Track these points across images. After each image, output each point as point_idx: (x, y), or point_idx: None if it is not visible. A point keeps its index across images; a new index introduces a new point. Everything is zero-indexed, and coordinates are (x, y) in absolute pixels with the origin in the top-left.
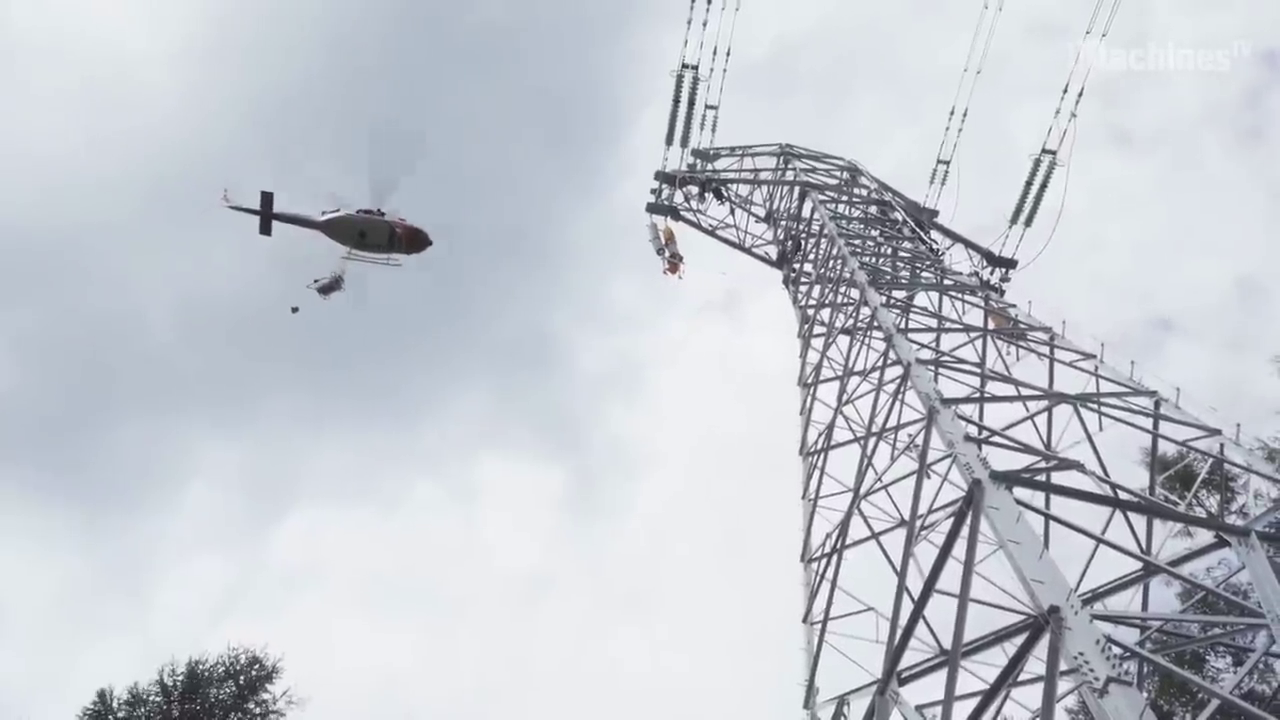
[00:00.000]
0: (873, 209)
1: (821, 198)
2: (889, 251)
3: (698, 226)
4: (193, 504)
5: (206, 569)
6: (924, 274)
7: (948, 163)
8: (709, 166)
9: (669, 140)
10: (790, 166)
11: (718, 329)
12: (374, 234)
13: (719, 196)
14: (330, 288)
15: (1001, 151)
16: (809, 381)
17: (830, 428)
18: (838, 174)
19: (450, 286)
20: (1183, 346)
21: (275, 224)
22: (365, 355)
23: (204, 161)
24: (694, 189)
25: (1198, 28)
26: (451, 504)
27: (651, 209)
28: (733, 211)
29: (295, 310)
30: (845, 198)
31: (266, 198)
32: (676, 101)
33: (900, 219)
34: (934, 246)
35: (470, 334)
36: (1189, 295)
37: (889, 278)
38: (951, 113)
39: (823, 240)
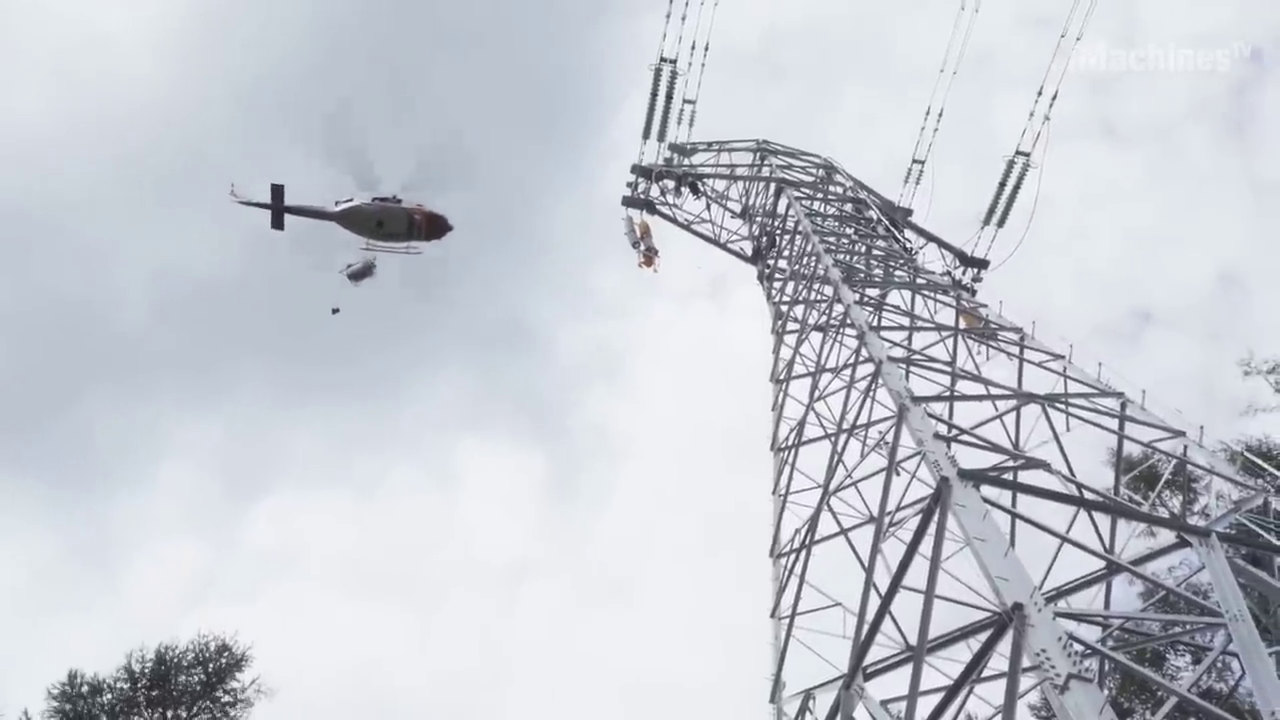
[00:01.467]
0: (847, 207)
1: (797, 194)
2: (863, 249)
3: (673, 221)
4: (166, 485)
5: (180, 551)
6: (897, 273)
7: (923, 162)
8: (685, 161)
9: (646, 134)
10: (766, 163)
11: (702, 315)
12: (391, 223)
13: (695, 191)
14: (362, 274)
15: (988, 143)
16: (781, 377)
17: (801, 424)
18: (813, 171)
19: (430, 269)
20: (1164, 338)
21: (287, 217)
22: (343, 337)
23: (186, 143)
24: (670, 183)
25: (1187, 24)
26: (431, 488)
27: (627, 202)
28: (708, 206)
29: (336, 311)
30: (820, 195)
31: (277, 190)
32: (654, 95)
33: (875, 217)
34: (907, 245)
35: (450, 317)
36: (1172, 287)
37: (862, 276)
38: (927, 112)
39: (797, 237)
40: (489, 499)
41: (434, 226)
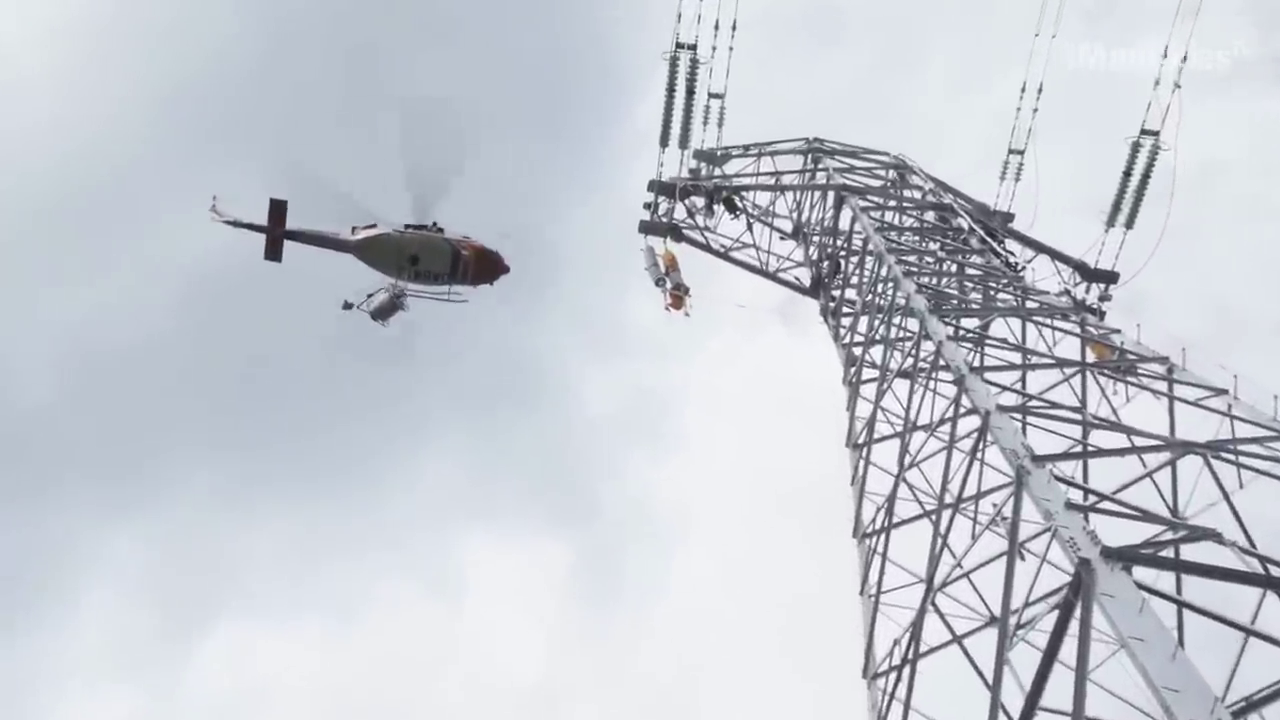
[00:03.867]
0: (929, 215)
1: (863, 204)
2: (953, 269)
3: (706, 248)
4: (89, 617)
5: (111, 701)
6: (1000, 295)
7: (1021, 152)
8: (717, 171)
9: (664, 141)
10: (821, 166)
11: (771, 342)
12: (430, 257)
13: (731, 208)
14: (389, 309)
15: (1117, 107)
16: (860, 441)
17: (891, 500)
18: (882, 173)
19: (414, 309)
20: None
21: (289, 245)
22: (304, 411)
23: (93, 166)
24: (699, 201)
25: None
26: (427, 600)
27: (646, 229)
28: (750, 227)
29: (349, 307)
30: (893, 203)
31: (277, 208)
32: (671, 92)
33: (965, 227)
34: (1011, 260)
35: (441, 370)
36: None
37: (956, 302)
38: (1023, 89)
39: (867, 258)
40: (502, 607)
41: (484, 266)
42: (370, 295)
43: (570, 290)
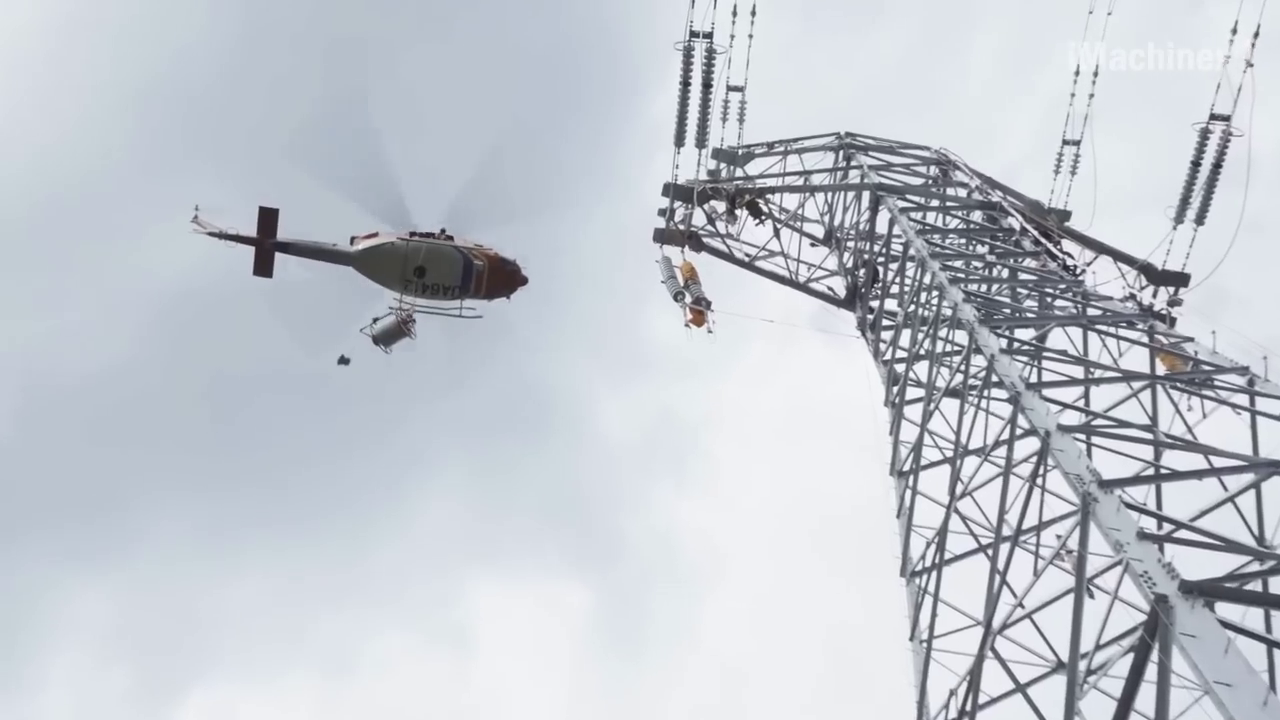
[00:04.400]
0: (976, 215)
1: (902, 205)
2: (1005, 274)
3: (729, 257)
4: (54, 677)
5: None
6: (1058, 302)
7: (1077, 143)
8: (739, 172)
9: (679, 140)
10: (855, 164)
11: (801, 365)
12: (438, 269)
13: (755, 213)
14: (393, 334)
15: (1186, 88)
16: (906, 469)
17: (942, 534)
18: (922, 170)
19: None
20: None
21: (280, 258)
22: (292, 446)
23: (61, 178)
24: (719, 205)
25: None
26: (429, 652)
27: (662, 238)
28: (777, 233)
29: (344, 361)
30: (936, 202)
31: (267, 217)
32: (685, 86)
33: (1017, 227)
34: (1069, 263)
35: (442, 397)
36: None
37: (1008, 311)
38: (1077, 73)
39: (908, 264)
40: (514, 659)
41: (500, 278)
42: (376, 319)
43: (581, 305)
